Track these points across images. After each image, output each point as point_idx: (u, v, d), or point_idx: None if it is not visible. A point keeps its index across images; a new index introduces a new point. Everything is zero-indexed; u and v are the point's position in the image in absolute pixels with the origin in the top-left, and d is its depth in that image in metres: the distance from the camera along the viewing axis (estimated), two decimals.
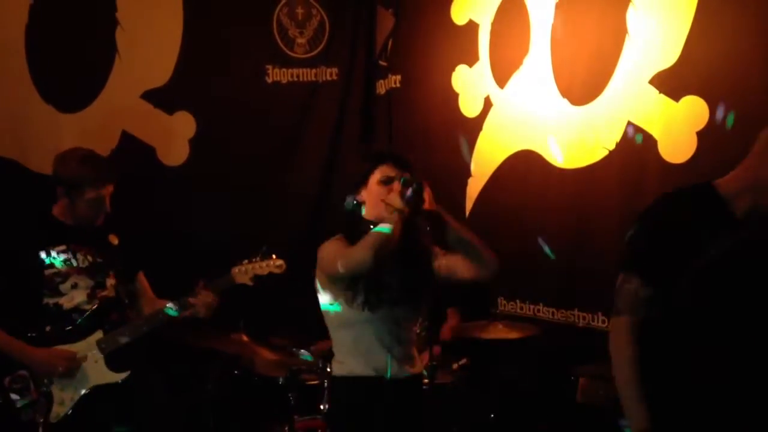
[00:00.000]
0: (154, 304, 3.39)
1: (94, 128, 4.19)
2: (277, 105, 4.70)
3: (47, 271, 3.19)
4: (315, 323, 3.99)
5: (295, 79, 4.75)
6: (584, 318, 3.83)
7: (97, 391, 3.20)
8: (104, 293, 3.27)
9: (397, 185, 2.53)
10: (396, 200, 2.49)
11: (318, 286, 2.68)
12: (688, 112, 3.33)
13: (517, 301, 4.16)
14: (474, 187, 4.36)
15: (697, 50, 3.31)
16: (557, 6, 3.90)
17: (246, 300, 3.47)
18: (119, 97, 4.27)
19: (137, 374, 3.26)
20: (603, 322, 3.68)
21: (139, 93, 4.32)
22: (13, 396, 3.11)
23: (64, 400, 3.16)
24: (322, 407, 3.48)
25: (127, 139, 4.26)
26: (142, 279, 3.47)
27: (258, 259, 3.33)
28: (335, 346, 2.69)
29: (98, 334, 3.22)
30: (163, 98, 4.36)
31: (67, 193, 3.24)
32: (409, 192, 2.49)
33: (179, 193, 4.40)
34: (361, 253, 2.44)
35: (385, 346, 2.58)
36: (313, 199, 4.80)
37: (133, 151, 4.27)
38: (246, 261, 3.34)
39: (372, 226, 2.53)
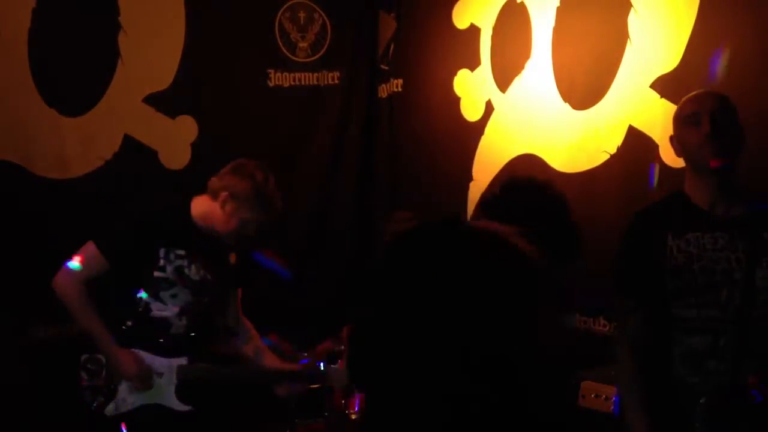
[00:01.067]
0: (256, 346, 3.37)
1: (96, 132, 4.20)
2: (278, 109, 4.70)
3: (157, 273, 3.13)
4: (317, 326, 4.02)
5: (297, 83, 4.76)
6: (585, 322, 3.82)
7: (157, 408, 3.15)
8: (199, 309, 3.21)
9: None
10: None
11: None
12: None
13: None
14: (475, 191, 4.36)
15: (698, 55, 3.31)
16: (559, 10, 3.91)
17: (247, 302, 3.47)
18: (121, 100, 4.27)
19: (199, 411, 3.20)
20: (604, 326, 3.68)
21: (141, 97, 4.32)
22: (83, 374, 3.09)
23: (126, 401, 3.13)
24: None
25: (129, 142, 4.27)
26: (237, 293, 3.42)
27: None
28: None
29: (183, 360, 3.16)
30: (165, 102, 4.36)
31: (230, 204, 3.12)
32: None
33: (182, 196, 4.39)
34: None
35: None
36: (315, 203, 4.81)
37: (135, 154, 4.27)
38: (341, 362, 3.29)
39: None
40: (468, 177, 4.37)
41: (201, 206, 3.19)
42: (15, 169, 4.05)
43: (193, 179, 4.37)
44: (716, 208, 2.42)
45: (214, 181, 3.19)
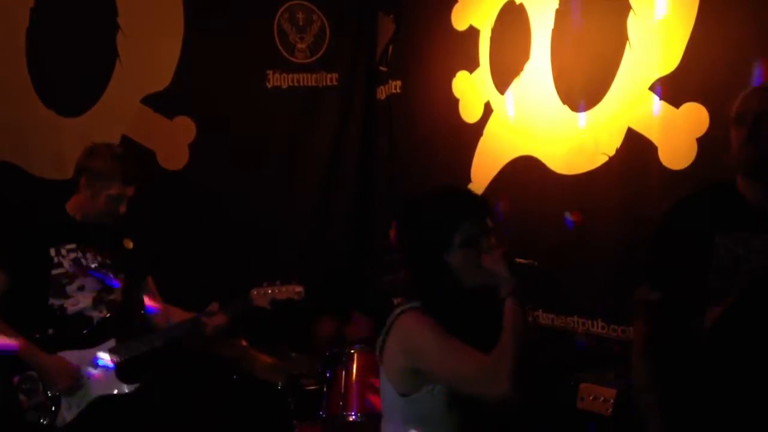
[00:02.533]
0: (166, 312, 3.37)
1: (94, 133, 4.17)
2: (277, 110, 4.70)
3: (54, 271, 3.16)
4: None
5: (295, 84, 4.75)
6: (584, 324, 3.82)
7: (105, 400, 3.15)
8: (111, 297, 3.23)
9: (493, 244, 2.07)
10: (501, 267, 2.02)
11: (394, 366, 2.08)
12: (689, 119, 3.32)
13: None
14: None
15: (697, 56, 3.31)
16: (558, 12, 3.90)
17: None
18: (120, 101, 4.27)
19: (145, 386, 3.22)
20: (602, 328, 3.68)
21: (139, 97, 4.32)
22: (21, 396, 3.07)
23: (72, 405, 3.12)
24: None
25: (127, 143, 4.26)
26: (150, 284, 3.44)
27: (278, 283, 3.28)
28: None
29: (110, 343, 3.17)
30: (163, 103, 4.36)
31: (90, 185, 3.21)
32: (512, 259, 2.05)
33: (179, 197, 4.39)
34: (503, 384, 1.87)
35: None
36: (313, 205, 4.80)
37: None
38: (266, 284, 3.28)
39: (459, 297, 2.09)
40: (466, 179, 4.37)
41: (72, 203, 3.27)
42: (13, 170, 4.05)
43: (192, 180, 4.41)
44: (762, 204, 2.22)
45: (74, 174, 3.29)
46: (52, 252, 3.17)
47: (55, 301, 3.16)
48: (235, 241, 4.42)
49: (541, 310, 4.03)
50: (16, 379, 3.09)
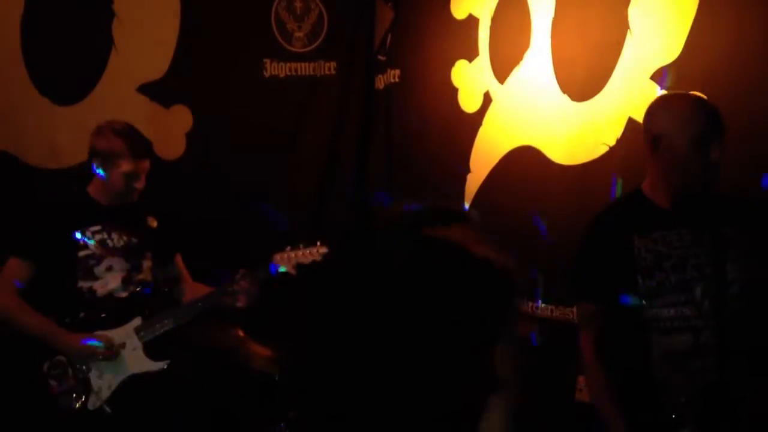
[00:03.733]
0: (193, 289, 3.34)
1: (90, 121, 4.12)
2: (274, 99, 4.66)
3: (81, 253, 3.14)
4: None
5: (293, 73, 4.72)
6: None
7: (135, 379, 3.13)
8: (140, 277, 3.21)
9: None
10: None
11: None
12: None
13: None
14: (473, 183, 4.33)
15: (699, 45, 3.28)
16: (558, 0, 3.87)
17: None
18: (115, 90, 4.23)
19: (175, 362, 3.20)
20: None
21: (135, 86, 4.28)
22: (51, 382, 3.06)
23: (102, 388, 3.10)
24: None
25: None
26: (179, 261, 3.43)
27: (301, 246, 3.26)
28: None
29: (137, 321, 3.16)
30: (159, 91, 4.32)
31: (102, 165, 3.19)
32: None
33: (176, 186, 4.36)
34: None
35: None
36: (311, 194, 4.78)
37: None
38: (289, 248, 3.25)
39: None
40: (465, 169, 4.35)
41: (93, 186, 3.26)
42: (7, 159, 4.02)
43: (188, 170, 4.38)
44: (677, 204, 2.39)
45: (88, 160, 3.28)
46: (78, 235, 3.16)
47: (84, 284, 3.14)
48: (232, 231, 4.39)
49: (539, 301, 4.01)
50: (45, 366, 3.07)
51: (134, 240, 3.23)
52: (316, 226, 4.80)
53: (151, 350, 3.15)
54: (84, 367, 3.08)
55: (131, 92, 4.27)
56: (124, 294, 3.17)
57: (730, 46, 3.18)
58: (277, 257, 3.24)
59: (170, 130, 4.37)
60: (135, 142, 3.24)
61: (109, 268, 3.16)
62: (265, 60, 4.64)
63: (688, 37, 3.30)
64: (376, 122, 4.95)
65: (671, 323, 2.35)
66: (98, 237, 3.17)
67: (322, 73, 4.80)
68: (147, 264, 3.24)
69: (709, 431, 2.29)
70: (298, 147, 4.74)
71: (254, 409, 3.94)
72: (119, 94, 4.24)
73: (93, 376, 3.10)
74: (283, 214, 4.62)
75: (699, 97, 2.54)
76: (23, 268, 3.14)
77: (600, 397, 2.45)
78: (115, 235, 3.20)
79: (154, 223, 3.32)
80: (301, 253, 3.24)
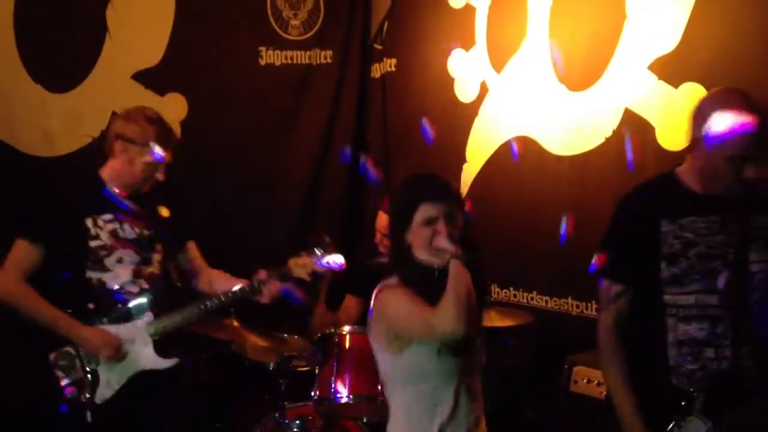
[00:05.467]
0: (211, 277, 3.30)
1: (83, 109, 4.13)
2: (270, 87, 4.64)
3: (92, 243, 3.05)
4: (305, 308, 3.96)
5: (289, 61, 4.69)
6: (578, 306, 3.80)
7: (144, 375, 3.08)
8: (150, 270, 3.14)
9: (442, 226, 2.25)
10: (446, 244, 2.23)
11: (379, 338, 2.34)
12: (687, 99, 3.29)
13: (511, 288, 4.13)
14: (469, 173, 4.32)
15: (697, 36, 3.27)
16: None
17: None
18: (109, 77, 4.19)
19: (183, 361, 3.15)
20: (596, 310, 3.65)
21: (129, 73, 4.25)
22: (59, 373, 3.00)
23: (111, 381, 3.04)
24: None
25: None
26: (191, 248, 3.36)
27: (317, 252, 3.19)
28: (398, 407, 2.32)
29: (148, 317, 3.10)
30: (154, 79, 4.29)
31: (125, 150, 3.09)
32: (456, 232, 2.25)
33: (171, 174, 4.33)
34: (454, 325, 2.14)
35: (466, 400, 2.29)
36: (306, 182, 4.76)
37: None
38: (304, 254, 3.20)
39: (429, 270, 2.26)
40: (461, 158, 4.34)
41: (107, 170, 3.16)
42: (1, 147, 3.99)
43: (183, 157, 4.34)
44: (710, 191, 2.36)
45: (106, 140, 3.18)
46: (89, 223, 3.07)
47: (93, 275, 3.06)
48: (226, 219, 4.37)
49: (535, 292, 4.01)
50: (52, 356, 3.01)
51: (146, 232, 3.14)
52: (312, 213, 4.79)
53: (161, 347, 3.09)
54: (93, 360, 3.05)
55: (126, 80, 4.24)
56: (134, 288, 3.10)
57: (728, 36, 3.18)
58: (292, 263, 3.17)
59: (165, 117, 4.33)
60: (166, 131, 3.15)
61: (120, 260, 3.07)
62: (260, 48, 4.61)
63: (686, 29, 3.29)
64: (372, 111, 4.93)
65: (690, 311, 2.34)
66: (110, 227, 3.08)
67: (318, 61, 4.77)
68: (157, 257, 3.16)
69: (718, 420, 2.28)
70: (294, 135, 4.72)
71: (249, 398, 3.95)
72: (113, 81, 4.20)
73: (102, 369, 3.04)
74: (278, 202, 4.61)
75: (747, 93, 2.47)
76: (32, 252, 3.04)
77: (615, 382, 2.44)
78: (126, 226, 3.10)
79: (166, 213, 3.22)
80: (316, 260, 3.17)
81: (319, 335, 3.48)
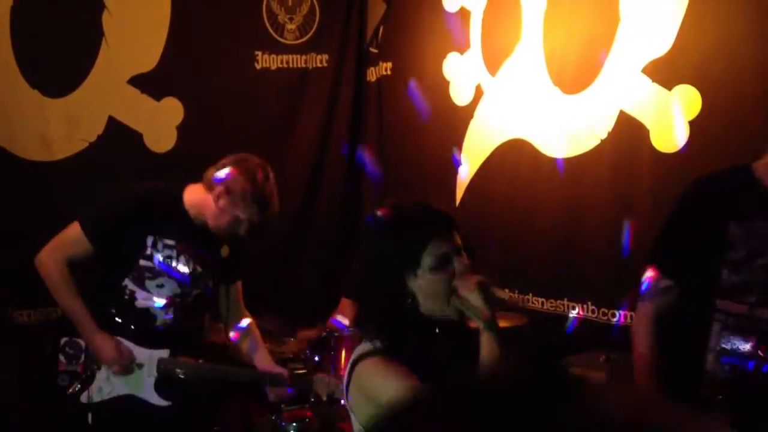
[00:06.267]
0: (252, 335, 3.23)
1: (80, 113, 4.13)
2: (266, 91, 4.64)
3: (143, 262, 3.03)
4: (306, 307, 3.98)
5: (285, 65, 4.70)
6: (574, 308, 3.81)
7: (134, 401, 3.08)
8: (186, 301, 3.12)
9: (460, 265, 1.82)
10: (477, 299, 1.78)
11: (361, 415, 1.89)
12: (681, 101, 3.30)
13: (507, 290, 4.13)
14: (464, 175, 4.33)
15: (690, 39, 3.28)
16: None
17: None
18: (106, 82, 4.20)
19: (177, 408, 3.13)
20: (593, 312, 3.66)
21: (126, 78, 4.25)
22: (62, 358, 3.03)
23: (103, 389, 3.06)
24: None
25: (113, 124, 4.20)
26: (236, 288, 3.28)
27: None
28: None
29: (164, 352, 3.08)
30: (150, 84, 4.29)
31: (223, 198, 2.97)
32: (492, 292, 1.84)
33: (167, 179, 4.34)
34: None
35: None
36: (302, 187, 4.76)
37: (119, 137, 4.20)
38: (332, 373, 3.17)
39: (430, 326, 1.85)
40: (457, 161, 4.34)
41: (194, 195, 3.06)
42: None
43: (179, 162, 4.35)
44: None
45: (211, 171, 3.05)
46: (149, 241, 3.03)
47: (129, 284, 3.05)
48: None
49: (531, 294, 4.02)
50: (63, 340, 3.03)
51: (198, 270, 3.09)
52: (309, 219, 4.80)
53: (162, 385, 3.08)
54: (97, 363, 3.04)
55: (122, 84, 4.24)
56: (161, 314, 3.06)
57: (721, 38, 3.19)
58: (317, 379, 3.09)
59: (161, 122, 4.35)
60: (267, 198, 3.01)
61: (160, 286, 3.05)
62: (256, 52, 4.62)
63: (679, 31, 3.30)
64: (368, 115, 4.94)
65: (740, 321, 2.21)
66: (167, 252, 3.03)
67: (314, 65, 4.78)
68: (197, 292, 3.12)
69: (744, 430, 2.17)
70: (290, 139, 4.73)
71: (246, 401, 3.94)
72: (110, 86, 4.21)
73: (101, 374, 3.05)
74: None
75: None
76: (82, 244, 3.00)
77: (644, 378, 2.30)
78: (183, 259, 3.05)
79: (227, 252, 3.10)
80: (336, 387, 3.02)
81: (315, 339, 3.50)
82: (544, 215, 3.91)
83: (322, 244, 4.79)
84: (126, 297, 3.07)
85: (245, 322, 3.28)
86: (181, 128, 4.38)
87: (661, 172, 3.31)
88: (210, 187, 3.01)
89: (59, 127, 4.09)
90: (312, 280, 4.67)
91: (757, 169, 2.22)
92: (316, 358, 3.45)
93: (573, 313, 3.78)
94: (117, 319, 3.08)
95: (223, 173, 3.00)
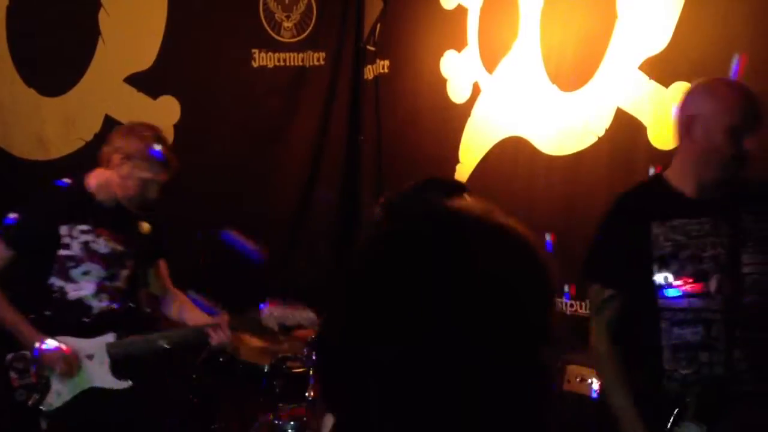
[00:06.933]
0: (178, 304, 3.28)
1: (76, 112, 4.14)
2: (262, 90, 4.65)
3: (62, 252, 3.03)
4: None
5: (282, 63, 4.70)
6: (572, 306, 3.80)
7: (95, 392, 3.07)
8: (116, 285, 3.12)
9: None
10: None
11: None
12: (678, 98, 3.29)
13: None
14: (462, 174, 4.33)
15: (687, 36, 3.27)
16: None
17: (229, 286, 3.43)
18: (102, 80, 4.20)
19: (138, 386, 3.13)
20: (589, 310, 3.66)
21: (122, 77, 4.26)
22: (12, 374, 3.00)
23: (61, 392, 3.04)
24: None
25: (110, 123, 4.18)
26: (161, 268, 3.32)
27: (290, 305, 3.17)
28: None
29: (110, 337, 3.08)
30: (147, 82, 4.30)
31: (124, 165, 3.03)
32: None
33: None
34: None
35: None
36: (299, 185, 4.76)
37: None
38: (278, 303, 3.17)
39: None
40: (454, 159, 4.34)
41: (96, 178, 3.11)
42: None
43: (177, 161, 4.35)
44: (701, 192, 2.33)
45: (104, 150, 3.13)
46: (64, 231, 3.04)
47: (56, 282, 3.05)
48: (221, 221, 4.36)
49: None
50: (9, 356, 3.01)
51: (119, 248, 3.11)
52: (304, 215, 4.80)
53: (118, 368, 3.08)
54: (47, 368, 3.01)
55: (118, 83, 4.25)
56: (95, 302, 3.07)
57: (718, 35, 3.18)
58: (264, 312, 3.13)
59: (158, 121, 4.27)
60: (169, 152, 3.12)
61: (86, 273, 3.06)
62: (253, 50, 4.61)
63: (676, 28, 3.30)
64: (365, 113, 4.93)
65: (684, 314, 2.31)
66: (84, 238, 3.05)
67: (311, 63, 4.78)
68: (125, 273, 3.14)
69: (713, 424, 2.25)
70: (287, 137, 4.73)
71: (243, 400, 3.94)
72: (106, 85, 4.21)
73: (54, 378, 3.03)
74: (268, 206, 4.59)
75: (743, 85, 2.46)
76: (4, 254, 3.03)
77: (612, 388, 2.39)
78: (101, 240, 3.07)
79: (146, 229, 3.17)
80: (290, 313, 3.14)
81: (312, 337, 3.49)
82: (542, 212, 3.91)
83: (319, 242, 4.79)
84: (56, 294, 3.06)
85: (172, 295, 3.35)
86: (178, 127, 4.38)
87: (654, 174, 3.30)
88: (108, 162, 3.09)
89: (56, 126, 4.09)
90: (309, 278, 4.66)
91: (668, 176, 2.40)
92: (314, 357, 3.44)
93: (569, 310, 3.79)
94: (54, 318, 3.06)
95: (115, 144, 3.09)
